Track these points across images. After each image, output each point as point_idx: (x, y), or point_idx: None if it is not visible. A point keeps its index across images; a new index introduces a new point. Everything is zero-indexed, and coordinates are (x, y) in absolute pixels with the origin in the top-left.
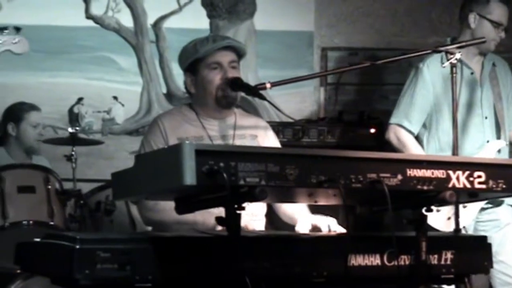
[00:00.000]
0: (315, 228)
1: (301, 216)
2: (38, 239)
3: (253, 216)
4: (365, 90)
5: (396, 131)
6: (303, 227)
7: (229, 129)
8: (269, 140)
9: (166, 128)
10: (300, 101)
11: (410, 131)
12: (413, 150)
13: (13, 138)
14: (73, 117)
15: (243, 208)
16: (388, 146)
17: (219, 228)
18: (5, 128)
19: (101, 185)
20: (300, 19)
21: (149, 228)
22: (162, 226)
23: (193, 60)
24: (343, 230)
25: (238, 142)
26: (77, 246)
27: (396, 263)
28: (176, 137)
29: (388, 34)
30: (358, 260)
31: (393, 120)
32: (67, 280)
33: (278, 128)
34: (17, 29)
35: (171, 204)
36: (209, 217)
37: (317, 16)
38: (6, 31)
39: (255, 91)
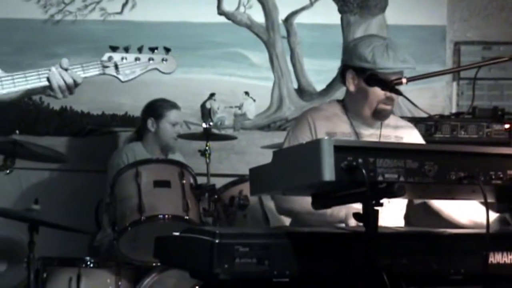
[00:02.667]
0: None
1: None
2: (177, 233)
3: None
4: (499, 85)
5: None
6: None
7: (376, 128)
8: (416, 140)
9: (315, 123)
10: (432, 97)
11: None
12: None
13: (151, 134)
14: (206, 113)
15: (381, 204)
16: None
17: (352, 222)
18: (145, 123)
19: (235, 179)
20: (432, 13)
21: (283, 218)
22: (292, 215)
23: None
24: None
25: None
26: (217, 241)
27: None
28: (325, 132)
29: None
30: (496, 258)
31: None
32: (206, 274)
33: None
34: (167, 49)
35: None
36: (337, 209)
37: (450, 10)
38: (156, 50)
39: (391, 86)
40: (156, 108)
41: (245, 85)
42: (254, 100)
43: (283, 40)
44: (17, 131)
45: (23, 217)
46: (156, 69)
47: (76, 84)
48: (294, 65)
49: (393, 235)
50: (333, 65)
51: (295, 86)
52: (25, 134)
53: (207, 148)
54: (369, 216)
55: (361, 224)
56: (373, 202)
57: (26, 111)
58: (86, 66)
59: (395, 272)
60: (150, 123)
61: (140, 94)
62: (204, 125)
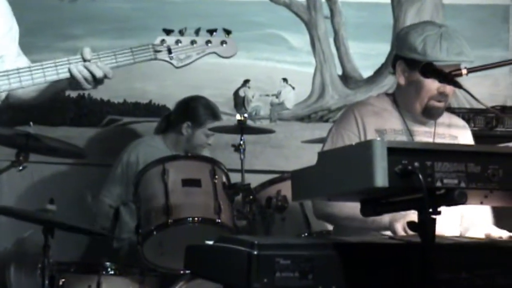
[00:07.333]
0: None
1: (474, 226)
2: (210, 242)
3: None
4: None
5: None
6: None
7: (431, 125)
8: (469, 142)
9: (363, 118)
10: (492, 85)
11: None
12: None
13: (181, 136)
14: (239, 101)
15: (439, 213)
16: None
17: (398, 229)
18: (179, 124)
19: (272, 178)
20: None
21: (327, 226)
22: (332, 220)
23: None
24: None
25: (438, 141)
26: (255, 252)
27: None
28: (374, 129)
29: None
30: None
31: None
32: None
33: (468, 115)
34: (227, 31)
35: None
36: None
37: None
38: (215, 33)
39: (450, 78)
40: (198, 116)
41: (283, 70)
42: (293, 88)
43: (326, 21)
44: (31, 123)
45: (38, 219)
46: (215, 53)
47: (106, 77)
48: (338, 49)
49: (452, 246)
50: (382, 49)
51: (339, 72)
52: (39, 125)
53: (241, 142)
54: (426, 226)
55: (411, 233)
56: (430, 210)
57: None
58: (136, 50)
59: (454, 287)
60: (185, 126)
61: (166, 81)
62: (238, 116)
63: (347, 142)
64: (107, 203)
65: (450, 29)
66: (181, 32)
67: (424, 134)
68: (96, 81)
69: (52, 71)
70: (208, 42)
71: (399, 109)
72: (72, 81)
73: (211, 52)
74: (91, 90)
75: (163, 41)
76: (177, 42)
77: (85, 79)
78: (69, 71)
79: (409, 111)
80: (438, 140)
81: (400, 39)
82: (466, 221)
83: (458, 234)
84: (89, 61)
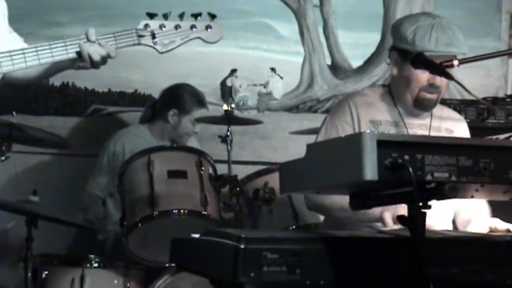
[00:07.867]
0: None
1: (476, 219)
2: (196, 235)
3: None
4: None
5: None
6: (477, 229)
7: (426, 117)
8: (465, 135)
9: (357, 109)
10: (485, 76)
11: None
12: None
13: (167, 124)
14: (226, 91)
15: (429, 207)
16: None
17: (389, 221)
18: (164, 112)
19: (260, 170)
20: None
21: (316, 215)
22: (322, 210)
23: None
24: None
25: (434, 134)
26: (242, 246)
27: None
28: (369, 119)
29: None
30: None
31: None
32: (229, 283)
33: (459, 107)
34: (212, 16)
35: None
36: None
37: None
38: (199, 17)
39: (441, 69)
40: (184, 103)
41: (271, 60)
42: (282, 78)
43: (315, 10)
44: (14, 113)
45: (20, 210)
46: (199, 38)
47: (109, 57)
48: (327, 38)
49: (442, 240)
50: (372, 38)
51: (328, 62)
52: (21, 114)
53: (228, 133)
54: (416, 220)
55: (403, 227)
56: (421, 204)
57: (23, 87)
58: (119, 35)
59: (444, 282)
60: (171, 114)
61: (152, 69)
62: (225, 106)
63: (341, 133)
64: (95, 194)
65: (444, 20)
66: (165, 16)
67: (419, 127)
68: (103, 61)
69: (47, 53)
70: (192, 26)
71: (394, 101)
72: (76, 62)
73: (195, 37)
74: (75, 78)
75: (146, 25)
76: (161, 26)
77: (91, 58)
78: (83, 50)
79: (402, 102)
80: (434, 134)
81: (394, 29)
82: (464, 214)
83: (450, 228)
84: (94, 42)
